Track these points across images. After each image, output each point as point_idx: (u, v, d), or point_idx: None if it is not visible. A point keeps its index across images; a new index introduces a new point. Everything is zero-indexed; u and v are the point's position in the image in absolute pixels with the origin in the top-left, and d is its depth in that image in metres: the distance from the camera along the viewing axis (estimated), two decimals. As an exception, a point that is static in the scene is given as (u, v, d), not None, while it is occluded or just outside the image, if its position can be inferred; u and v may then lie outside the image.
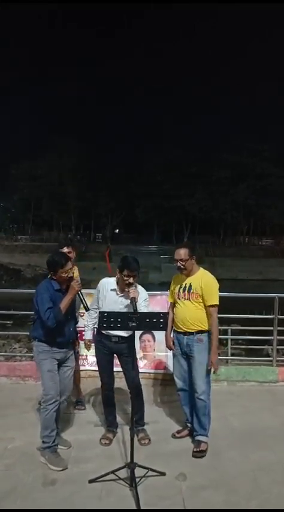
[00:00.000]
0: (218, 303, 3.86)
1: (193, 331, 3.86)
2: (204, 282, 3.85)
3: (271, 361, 5.79)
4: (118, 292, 3.86)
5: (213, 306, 3.83)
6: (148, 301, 3.94)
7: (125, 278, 3.70)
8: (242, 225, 54.32)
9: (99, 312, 3.48)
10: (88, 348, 4.16)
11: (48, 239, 53.08)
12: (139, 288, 3.85)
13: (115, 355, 3.97)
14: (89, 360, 5.40)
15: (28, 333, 4.44)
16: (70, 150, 51.54)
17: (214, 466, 3.55)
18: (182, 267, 3.87)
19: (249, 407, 4.80)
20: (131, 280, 3.70)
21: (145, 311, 3.74)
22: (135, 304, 3.55)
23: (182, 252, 3.86)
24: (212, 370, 3.84)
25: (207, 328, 3.86)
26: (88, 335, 4.13)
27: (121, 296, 3.84)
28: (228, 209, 51.09)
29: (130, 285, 3.70)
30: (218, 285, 3.91)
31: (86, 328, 4.15)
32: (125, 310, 3.76)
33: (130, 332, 3.70)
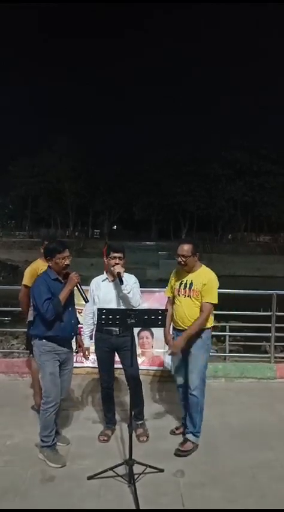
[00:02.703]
0: (214, 302, 3.80)
1: None
2: (207, 279, 3.80)
3: (269, 357, 5.80)
4: (110, 280, 3.93)
5: (208, 303, 3.77)
6: (138, 284, 4.01)
7: (112, 260, 3.82)
8: (240, 222, 54.37)
9: (98, 309, 3.47)
10: (86, 357, 4.12)
11: (46, 236, 52.99)
12: (128, 274, 3.94)
13: (115, 351, 3.97)
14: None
15: (26, 330, 4.42)
16: (68, 147, 51.40)
17: (212, 463, 3.56)
18: (183, 262, 3.83)
19: (247, 404, 4.81)
20: (117, 260, 3.83)
21: (136, 292, 3.89)
22: (120, 277, 3.73)
23: (185, 248, 3.79)
24: (171, 353, 3.87)
25: (208, 326, 3.85)
26: (86, 342, 4.08)
27: (113, 282, 3.90)
28: (226, 206, 51.13)
29: (116, 264, 3.82)
30: (218, 285, 3.87)
31: (84, 336, 4.09)
32: (121, 294, 3.83)
33: None
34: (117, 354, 3.97)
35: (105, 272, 3.99)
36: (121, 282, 3.75)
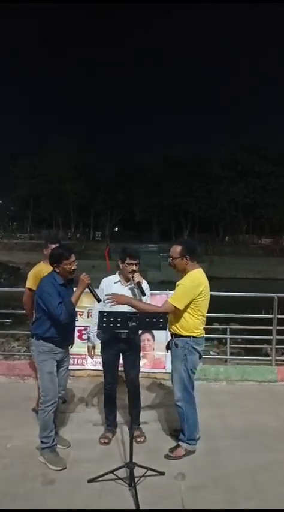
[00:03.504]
0: (176, 305, 3.56)
1: (172, 333, 3.77)
2: (182, 281, 3.66)
3: (270, 360, 5.79)
4: (122, 283, 3.91)
5: (169, 300, 3.60)
6: (149, 290, 4.01)
7: (128, 266, 3.80)
8: (242, 223, 54.32)
9: (99, 312, 3.46)
10: (92, 355, 4.15)
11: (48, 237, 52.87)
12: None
13: (121, 354, 3.97)
14: (89, 359, 5.40)
15: (28, 332, 4.42)
16: (69, 147, 51.47)
17: (213, 466, 3.56)
18: (171, 264, 3.78)
19: (248, 407, 4.80)
20: (134, 267, 3.80)
21: (149, 300, 3.87)
22: (141, 287, 3.71)
23: (174, 249, 3.72)
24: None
25: (185, 333, 3.67)
26: (92, 342, 4.11)
27: (126, 286, 3.90)
28: (227, 208, 51.09)
29: (133, 272, 3.79)
30: (190, 292, 3.60)
31: (90, 334, 4.12)
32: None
33: None
34: (122, 356, 3.96)
35: (117, 274, 3.98)
36: (143, 293, 3.75)
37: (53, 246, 4.32)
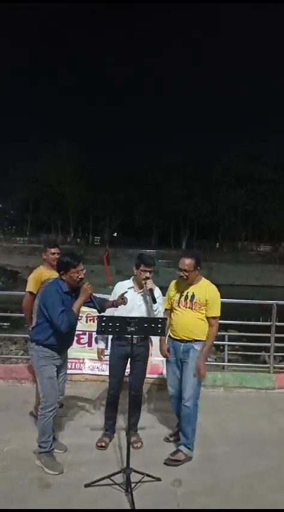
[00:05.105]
0: (219, 315, 3.89)
1: (191, 339, 3.83)
2: (209, 293, 3.82)
3: (268, 367, 5.79)
4: (135, 290, 3.94)
5: (215, 317, 3.85)
6: (162, 298, 4.02)
7: (142, 273, 3.83)
8: (240, 230, 54.40)
9: (98, 316, 3.47)
10: (101, 359, 4.16)
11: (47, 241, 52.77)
12: (156, 288, 3.95)
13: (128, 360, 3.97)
14: (86, 363, 5.40)
15: (25, 335, 4.42)
16: (69, 151, 51.60)
17: (209, 472, 3.55)
18: (185, 277, 3.82)
19: (246, 414, 4.80)
20: (148, 274, 3.83)
21: (160, 308, 3.91)
22: (153, 295, 3.74)
23: (187, 262, 3.77)
24: (199, 377, 3.83)
25: (204, 338, 3.85)
26: (102, 344, 4.12)
27: (139, 293, 3.92)
28: (226, 214, 51.17)
29: (147, 279, 3.82)
30: (220, 296, 3.93)
31: (99, 337, 4.13)
32: (143, 306, 3.89)
33: None
34: (130, 362, 3.95)
35: (131, 280, 4.00)
36: (154, 300, 3.78)
37: (52, 250, 4.33)
